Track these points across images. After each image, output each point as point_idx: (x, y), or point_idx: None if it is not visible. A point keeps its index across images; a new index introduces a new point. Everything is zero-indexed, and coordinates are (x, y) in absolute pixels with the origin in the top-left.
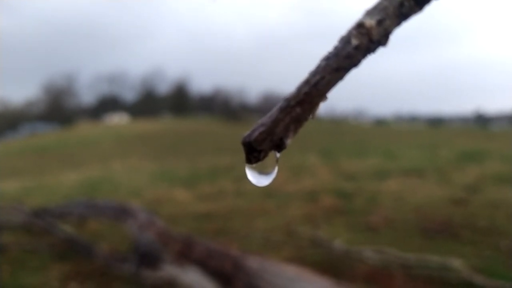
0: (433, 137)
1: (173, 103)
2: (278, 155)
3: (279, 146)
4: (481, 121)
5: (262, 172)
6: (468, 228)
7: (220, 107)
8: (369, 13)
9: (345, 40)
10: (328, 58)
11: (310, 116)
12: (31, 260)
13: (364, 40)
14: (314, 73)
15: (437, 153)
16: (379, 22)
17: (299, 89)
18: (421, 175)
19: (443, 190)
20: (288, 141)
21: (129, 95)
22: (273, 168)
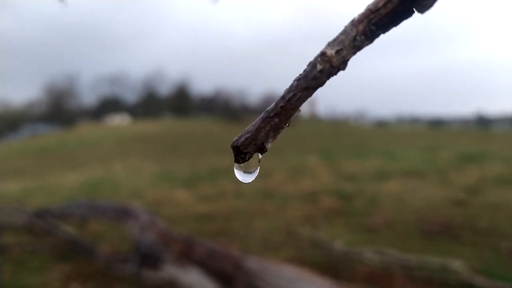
0: (434, 139)
1: (174, 104)
2: (260, 156)
3: (261, 149)
4: (482, 123)
5: (247, 170)
6: (468, 229)
7: (221, 108)
8: (330, 44)
9: (312, 65)
10: (299, 79)
11: (286, 125)
12: (32, 261)
13: (327, 66)
14: (288, 91)
15: (438, 154)
16: (338, 52)
17: (277, 103)
18: (421, 176)
19: (444, 192)
20: (269, 145)
21: (130, 96)
22: (256, 168)
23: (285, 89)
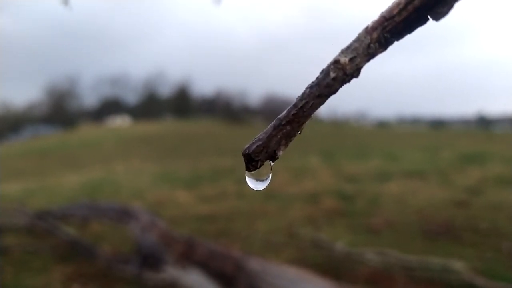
0: (435, 139)
1: (175, 105)
2: (272, 164)
3: (273, 157)
4: (483, 123)
5: (259, 178)
6: (469, 230)
7: (222, 109)
8: (343, 52)
9: (325, 73)
10: (311, 87)
11: (298, 133)
12: (33, 262)
13: (340, 73)
14: (300, 98)
15: (439, 155)
16: (351, 60)
17: (289, 111)
18: (423, 177)
19: (445, 192)
20: (280, 153)
21: (131, 97)
22: (268, 175)
23: (297, 96)
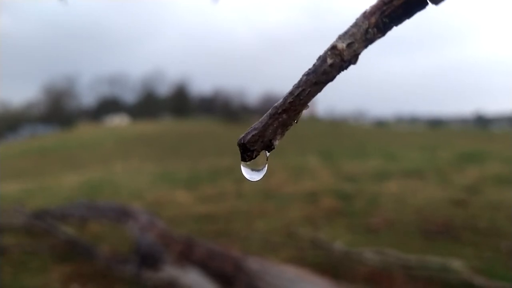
0: (433, 139)
1: (173, 105)
2: (267, 154)
3: (269, 146)
4: (481, 122)
5: (255, 168)
6: (468, 229)
7: (220, 108)
8: (341, 37)
9: (322, 59)
10: (308, 74)
11: (294, 122)
12: (32, 262)
13: (337, 60)
14: (297, 86)
15: (437, 154)
16: (349, 45)
17: (285, 99)
18: (421, 176)
19: (444, 192)
20: (276, 142)
21: (130, 96)
22: (264, 165)
23: (293, 84)
